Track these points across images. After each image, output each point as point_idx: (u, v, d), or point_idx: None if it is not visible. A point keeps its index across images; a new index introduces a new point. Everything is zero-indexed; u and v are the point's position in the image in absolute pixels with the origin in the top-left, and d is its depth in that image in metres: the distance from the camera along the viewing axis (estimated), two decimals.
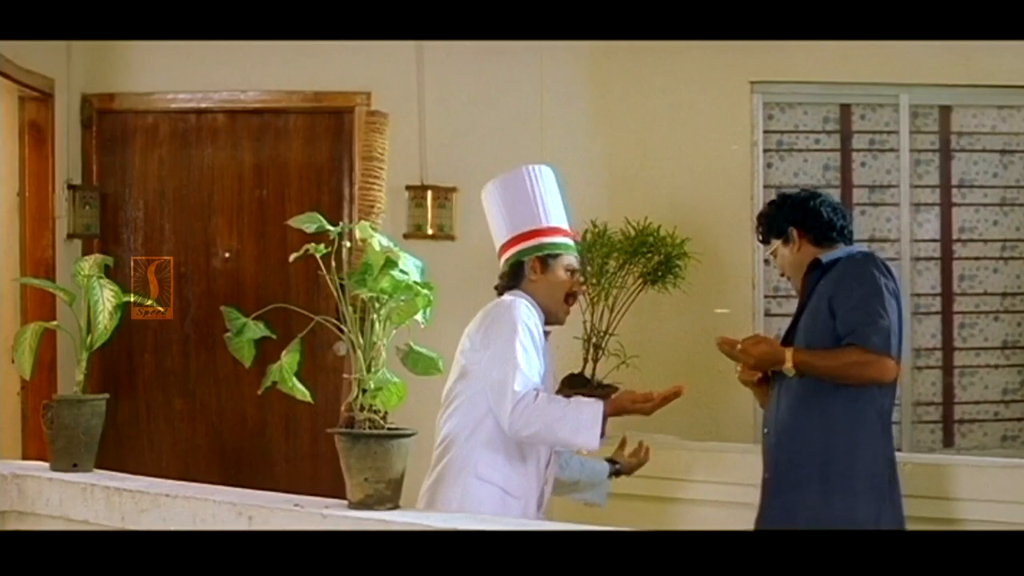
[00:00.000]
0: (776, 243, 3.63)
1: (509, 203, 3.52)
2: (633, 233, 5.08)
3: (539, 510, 3.37)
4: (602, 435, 3.18)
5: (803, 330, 3.45)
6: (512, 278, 3.45)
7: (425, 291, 2.48)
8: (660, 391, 3.25)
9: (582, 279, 3.57)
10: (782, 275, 3.75)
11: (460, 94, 5.54)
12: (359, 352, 2.44)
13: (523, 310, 3.30)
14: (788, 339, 3.51)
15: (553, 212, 3.51)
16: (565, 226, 3.53)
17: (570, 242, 3.51)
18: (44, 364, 4.86)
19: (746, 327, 5.44)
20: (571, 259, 3.49)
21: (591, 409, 3.18)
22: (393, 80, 5.45)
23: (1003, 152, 5.86)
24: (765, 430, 3.51)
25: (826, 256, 3.52)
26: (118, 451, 4.15)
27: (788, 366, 3.35)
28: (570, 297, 3.46)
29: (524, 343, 3.23)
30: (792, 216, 3.60)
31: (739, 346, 3.41)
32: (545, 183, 3.53)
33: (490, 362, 3.24)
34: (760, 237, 3.74)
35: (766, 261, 5.65)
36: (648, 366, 4.57)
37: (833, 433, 3.38)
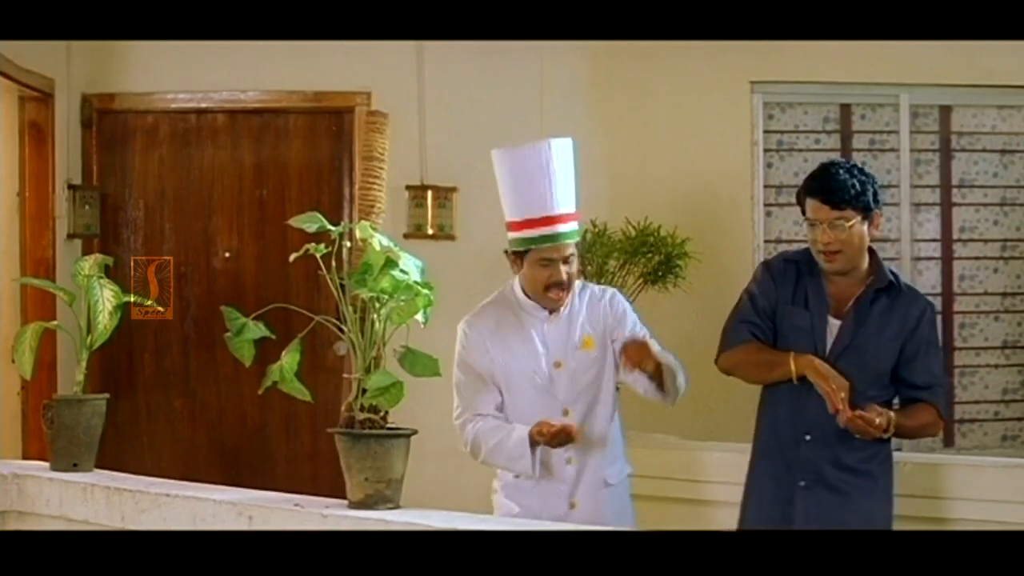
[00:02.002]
0: (855, 217, 3.33)
1: (501, 186, 3.42)
2: (633, 233, 5.09)
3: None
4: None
5: (871, 358, 3.37)
6: (512, 264, 3.46)
7: (425, 291, 2.48)
8: (556, 425, 3.23)
9: (569, 270, 3.35)
10: (834, 251, 3.36)
11: (460, 94, 5.54)
12: (359, 352, 2.45)
13: (459, 331, 3.43)
14: (840, 354, 3.38)
15: (534, 199, 3.32)
16: (550, 212, 3.31)
17: (550, 231, 3.30)
18: (44, 364, 4.85)
19: None
20: (546, 252, 3.31)
21: (516, 440, 3.28)
22: (393, 80, 5.45)
23: (1003, 152, 5.87)
24: (808, 437, 3.40)
25: (880, 279, 3.41)
26: (118, 451, 4.15)
27: (891, 431, 3.33)
28: (548, 288, 3.34)
29: (456, 372, 3.40)
30: (878, 198, 3.38)
31: (877, 420, 3.24)
32: (534, 165, 3.32)
33: None
34: (833, 200, 3.33)
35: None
36: None
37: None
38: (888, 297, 3.42)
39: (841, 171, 3.38)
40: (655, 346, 3.27)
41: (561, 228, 3.32)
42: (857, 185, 3.34)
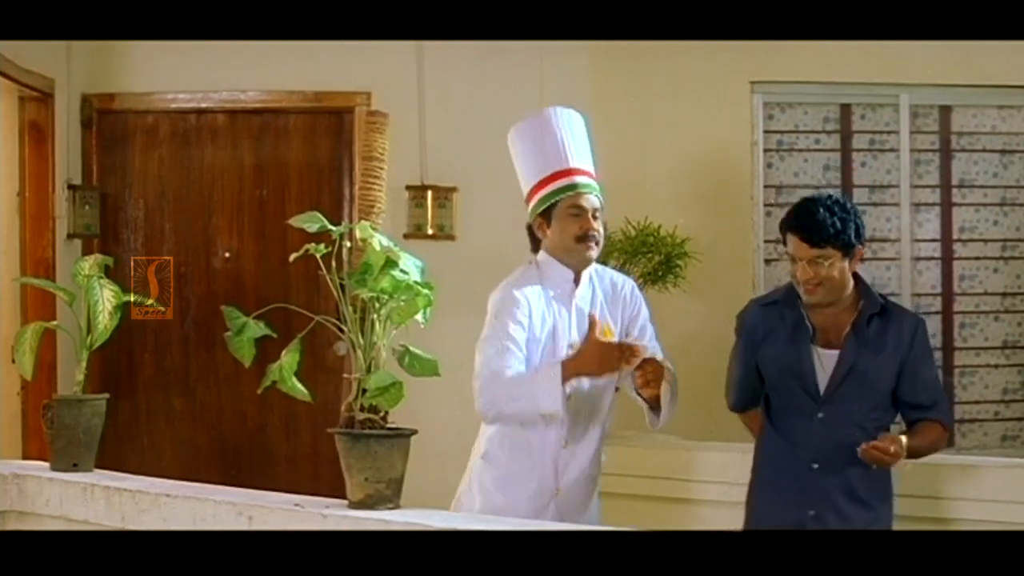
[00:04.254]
0: (835, 255, 3.32)
1: (517, 163, 3.42)
2: (633, 233, 5.09)
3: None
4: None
5: (872, 382, 3.38)
6: (533, 243, 3.44)
7: (425, 291, 2.48)
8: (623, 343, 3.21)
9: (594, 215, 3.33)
10: (814, 284, 3.34)
11: (460, 94, 5.54)
12: (359, 352, 2.44)
13: (501, 292, 3.33)
14: (841, 381, 3.38)
15: (550, 157, 3.33)
16: (568, 165, 3.32)
17: (570, 182, 3.30)
18: (44, 364, 4.85)
19: None
20: (573, 200, 3.30)
21: (546, 373, 3.18)
22: (393, 80, 5.45)
23: (1003, 152, 5.87)
24: (815, 466, 3.38)
25: (871, 304, 3.41)
26: (118, 451, 4.14)
27: (904, 455, 3.32)
28: (581, 239, 3.31)
29: (495, 327, 3.27)
30: (860, 233, 3.37)
31: (892, 449, 3.25)
32: (544, 129, 3.35)
33: None
34: (812, 239, 3.32)
35: (767, 260, 5.66)
36: None
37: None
38: (880, 319, 3.42)
39: (821, 209, 3.34)
40: (668, 375, 3.26)
41: (579, 179, 3.32)
42: (837, 223, 3.32)
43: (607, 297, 3.43)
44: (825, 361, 3.40)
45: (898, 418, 3.51)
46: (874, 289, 3.49)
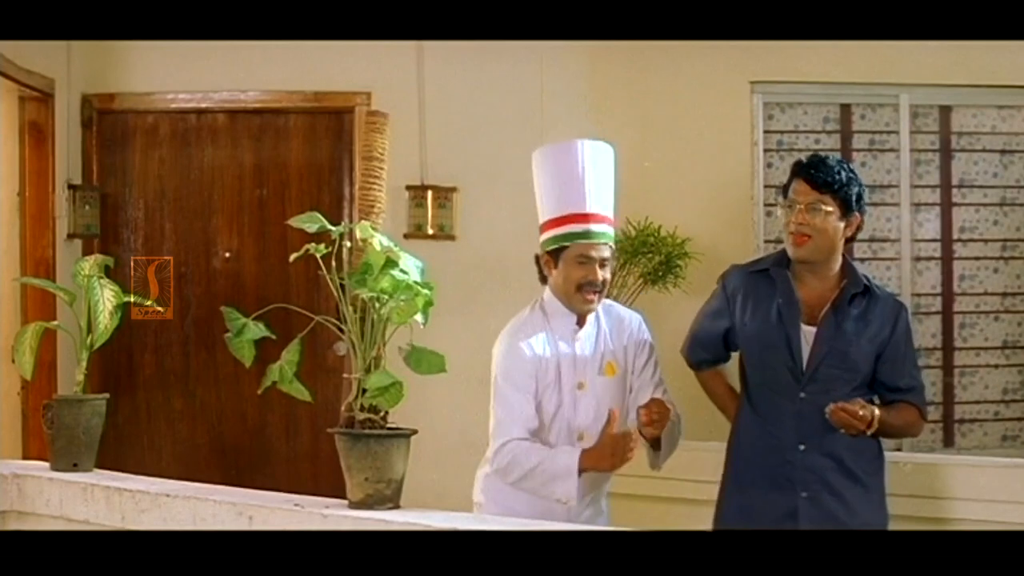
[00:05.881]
0: (833, 205, 3.34)
1: (537, 186, 3.38)
2: (633, 233, 5.10)
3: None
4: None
5: (853, 362, 3.37)
6: (540, 273, 3.41)
7: (425, 291, 2.48)
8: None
9: (600, 267, 3.29)
10: (801, 236, 3.35)
11: (460, 94, 5.54)
12: (359, 352, 2.45)
13: (505, 343, 3.32)
14: (821, 360, 3.37)
15: (570, 196, 3.28)
16: (585, 209, 3.27)
17: (584, 229, 3.27)
18: (44, 364, 4.86)
19: None
20: (583, 249, 3.27)
21: (565, 460, 3.18)
22: (393, 80, 5.45)
23: (1003, 152, 5.87)
24: (802, 447, 3.37)
25: (854, 283, 3.40)
26: (118, 451, 4.14)
27: (875, 427, 3.32)
28: (582, 287, 3.27)
29: (503, 385, 3.27)
30: (861, 201, 3.39)
31: (860, 412, 3.26)
32: (569, 162, 3.32)
33: None
34: (817, 180, 3.34)
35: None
36: None
37: (866, 437, 3.37)
38: (864, 299, 3.41)
39: (832, 160, 3.42)
40: (674, 420, 3.27)
41: (594, 227, 3.29)
42: (844, 177, 3.36)
43: (612, 330, 3.41)
44: (809, 339, 3.40)
45: None
46: (859, 272, 3.47)
